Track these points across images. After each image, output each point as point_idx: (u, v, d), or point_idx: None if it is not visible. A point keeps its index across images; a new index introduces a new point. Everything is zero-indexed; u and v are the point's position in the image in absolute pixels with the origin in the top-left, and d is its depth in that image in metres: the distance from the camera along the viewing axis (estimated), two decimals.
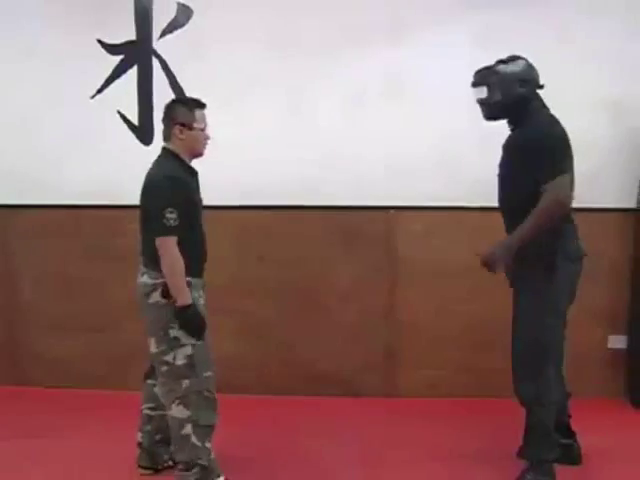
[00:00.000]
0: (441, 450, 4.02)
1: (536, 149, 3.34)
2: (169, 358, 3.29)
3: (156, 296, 3.29)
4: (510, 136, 3.57)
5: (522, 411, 3.57)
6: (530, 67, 3.49)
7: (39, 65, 4.89)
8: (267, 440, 4.21)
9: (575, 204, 4.60)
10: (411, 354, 4.89)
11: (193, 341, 3.27)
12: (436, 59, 4.63)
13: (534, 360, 3.44)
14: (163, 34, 4.80)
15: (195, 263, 3.37)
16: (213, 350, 4.79)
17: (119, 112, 4.88)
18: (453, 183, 4.69)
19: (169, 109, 3.44)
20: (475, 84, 3.52)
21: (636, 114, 4.57)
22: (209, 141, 3.51)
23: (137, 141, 4.91)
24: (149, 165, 4.76)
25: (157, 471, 3.69)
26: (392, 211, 4.75)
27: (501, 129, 3.67)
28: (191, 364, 3.28)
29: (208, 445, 3.34)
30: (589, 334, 4.76)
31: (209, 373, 3.35)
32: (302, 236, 4.83)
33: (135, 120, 4.90)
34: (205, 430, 3.33)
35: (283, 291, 4.91)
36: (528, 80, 3.45)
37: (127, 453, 3.82)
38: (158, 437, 3.67)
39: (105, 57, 4.86)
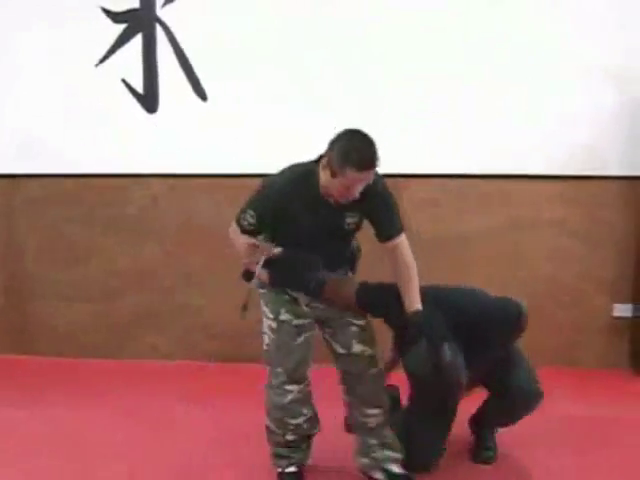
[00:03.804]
0: None
1: None
2: None
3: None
4: None
5: None
6: None
7: (42, 32, 4.85)
8: None
9: (579, 172, 4.63)
10: None
11: (269, 332, 3.14)
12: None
13: None
14: (167, 1, 4.77)
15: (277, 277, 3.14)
16: (221, 321, 4.84)
17: (123, 80, 4.85)
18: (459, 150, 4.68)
19: (335, 137, 2.89)
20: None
21: None
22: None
23: (142, 110, 4.89)
24: (155, 133, 4.82)
25: None
26: (399, 179, 4.71)
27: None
28: (268, 352, 3.16)
29: (288, 437, 3.19)
30: (594, 302, 4.76)
31: (279, 369, 3.11)
32: None
33: (140, 89, 4.88)
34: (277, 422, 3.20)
35: None
36: None
37: (122, 423, 3.85)
38: None
39: (109, 24, 4.81)
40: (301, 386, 3.13)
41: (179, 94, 4.79)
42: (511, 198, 4.72)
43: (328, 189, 2.87)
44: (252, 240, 3.03)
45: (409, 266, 2.99)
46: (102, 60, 4.85)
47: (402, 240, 3.01)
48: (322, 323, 3.15)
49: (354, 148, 2.79)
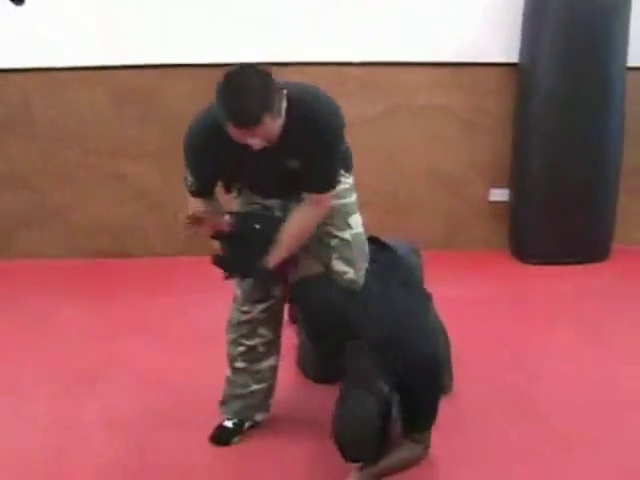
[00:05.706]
0: None
1: None
2: None
3: None
4: None
5: None
6: None
7: None
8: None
9: (458, 59, 4.67)
10: None
11: None
12: None
13: None
14: None
15: None
16: (100, 218, 4.78)
17: None
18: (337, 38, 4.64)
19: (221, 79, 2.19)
20: None
21: None
22: None
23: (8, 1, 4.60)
24: (22, 28, 4.54)
25: None
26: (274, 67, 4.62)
27: None
28: None
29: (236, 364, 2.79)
30: (471, 188, 4.91)
31: (238, 289, 2.77)
32: (176, 94, 4.68)
33: None
34: None
35: (164, 152, 4.74)
36: None
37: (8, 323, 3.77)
38: None
39: None
40: (262, 305, 2.70)
41: None
42: (391, 86, 4.74)
43: None
44: (198, 209, 2.57)
45: (301, 229, 2.49)
46: None
47: (322, 199, 2.47)
48: None
49: (228, 99, 2.15)
